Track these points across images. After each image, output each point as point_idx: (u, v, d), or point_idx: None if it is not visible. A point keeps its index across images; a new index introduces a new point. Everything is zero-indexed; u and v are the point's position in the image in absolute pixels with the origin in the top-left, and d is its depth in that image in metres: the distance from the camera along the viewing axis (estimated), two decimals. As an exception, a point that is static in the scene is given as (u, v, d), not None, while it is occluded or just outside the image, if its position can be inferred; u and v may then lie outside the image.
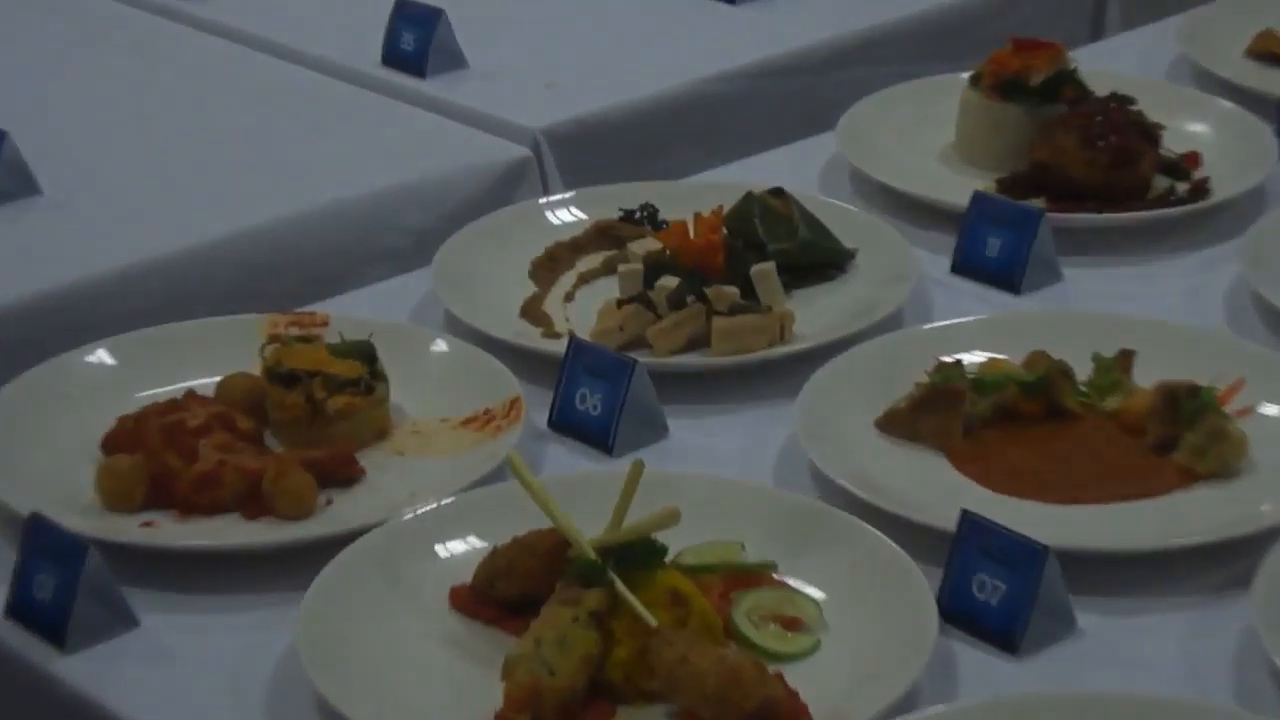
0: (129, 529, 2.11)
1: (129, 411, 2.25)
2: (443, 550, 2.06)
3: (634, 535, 1.91)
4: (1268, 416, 2.26)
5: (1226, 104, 3.00)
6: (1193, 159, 2.83)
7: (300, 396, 2.23)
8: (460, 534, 2.07)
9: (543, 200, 2.81)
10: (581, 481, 2.11)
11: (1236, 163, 2.83)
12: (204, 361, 2.38)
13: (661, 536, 1.93)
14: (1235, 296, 2.56)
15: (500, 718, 1.82)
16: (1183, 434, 2.19)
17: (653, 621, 1.85)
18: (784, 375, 2.35)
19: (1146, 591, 2.04)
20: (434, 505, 2.10)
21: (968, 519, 1.99)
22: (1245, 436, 2.20)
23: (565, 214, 2.74)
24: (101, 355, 2.41)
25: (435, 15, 3.23)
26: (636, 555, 1.91)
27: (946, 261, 2.65)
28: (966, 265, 2.64)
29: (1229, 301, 2.56)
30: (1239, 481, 2.18)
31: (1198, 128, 2.93)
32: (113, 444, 2.21)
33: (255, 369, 2.31)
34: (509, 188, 2.97)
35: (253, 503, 2.14)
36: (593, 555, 1.90)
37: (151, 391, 2.33)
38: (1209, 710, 1.82)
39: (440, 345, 2.42)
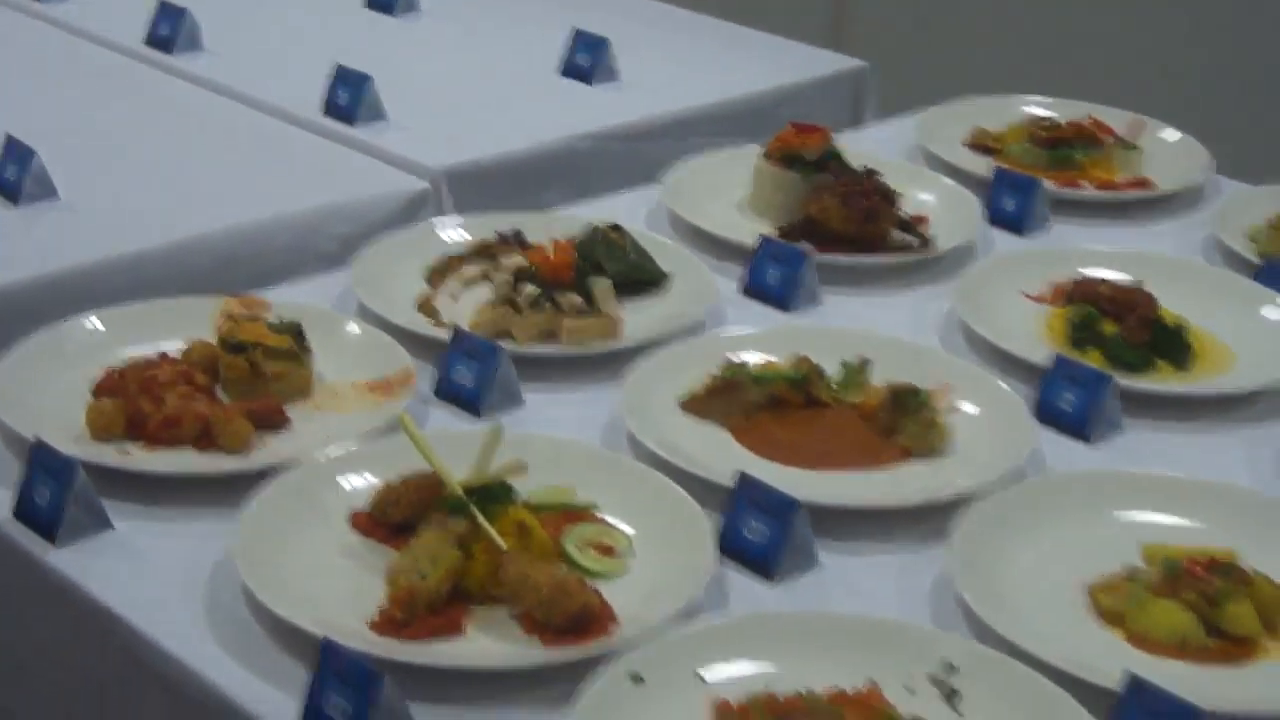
0: (109, 454, 2.09)
1: (114, 366, 2.23)
2: (346, 484, 2.04)
3: (491, 479, 1.91)
4: (966, 413, 2.28)
5: (947, 180, 3.00)
6: (921, 219, 2.83)
7: (244, 361, 2.21)
8: (360, 471, 2.05)
9: (434, 221, 2.77)
10: (456, 437, 2.08)
11: (952, 224, 2.83)
12: (174, 331, 2.33)
13: (514, 482, 1.93)
14: (948, 323, 2.56)
15: (384, 613, 1.82)
16: (904, 422, 2.21)
17: (503, 545, 1.85)
18: (613, 365, 2.34)
19: (872, 538, 2.05)
20: (342, 450, 2.09)
21: (742, 480, 2.00)
22: (948, 427, 2.22)
23: (452, 233, 2.70)
24: (94, 322, 2.36)
25: (364, 79, 3.19)
26: (492, 494, 1.91)
27: (735, 284, 2.64)
28: (753, 289, 2.62)
29: (943, 326, 2.56)
30: (943, 459, 2.19)
31: (926, 196, 2.92)
32: (100, 390, 2.18)
33: (213, 339, 2.28)
34: (413, 211, 2.93)
35: (205, 439, 2.12)
36: (460, 493, 1.90)
37: (132, 351, 2.29)
38: (907, 628, 1.85)
39: (353, 327, 2.39)
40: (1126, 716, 1.70)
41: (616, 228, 2.61)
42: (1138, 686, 1.71)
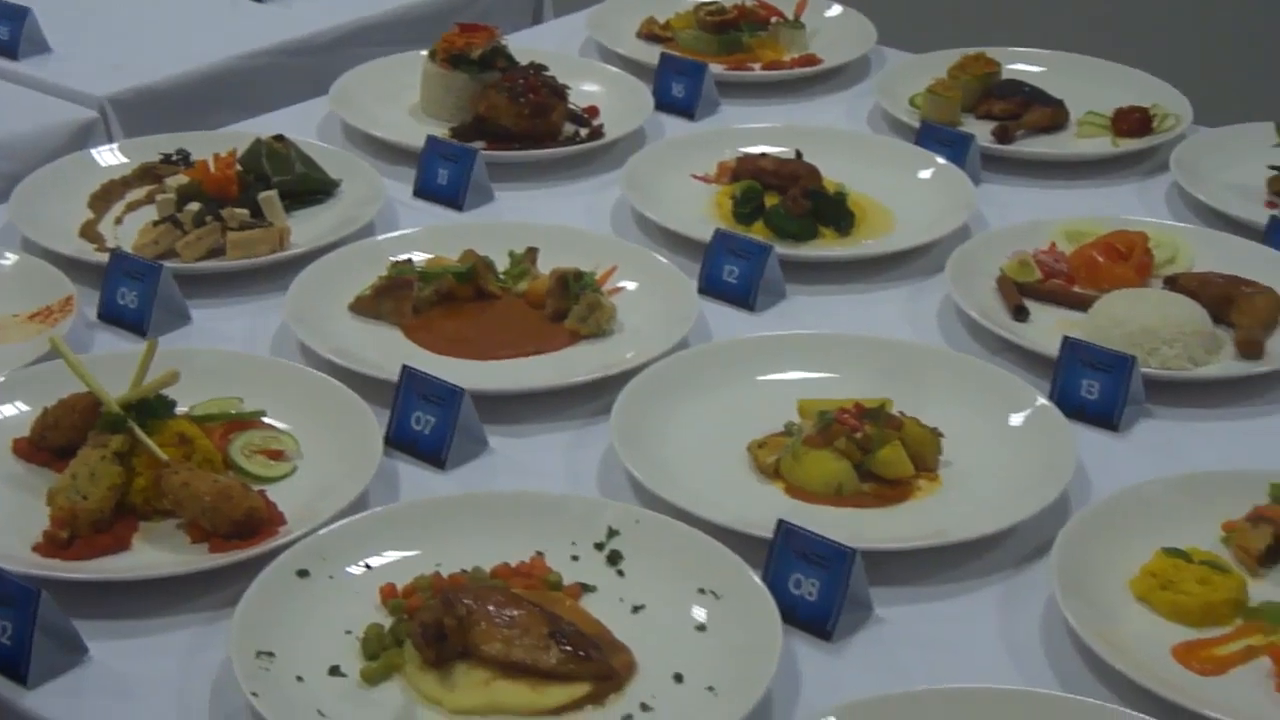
0: None
1: None
2: (1, 413, 2.03)
3: (147, 393, 1.91)
4: (629, 290, 2.34)
5: (616, 70, 3.05)
6: (593, 110, 2.89)
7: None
8: (13, 400, 2.05)
9: (93, 150, 2.74)
10: (117, 358, 2.07)
11: (623, 113, 2.88)
12: None
13: (180, 395, 1.93)
14: (618, 209, 2.62)
15: (47, 534, 1.83)
16: (571, 306, 2.25)
17: (164, 457, 1.87)
18: (284, 275, 2.35)
19: (542, 419, 2.11)
20: (-3, 379, 2.07)
21: (406, 373, 2.03)
22: (614, 306, 2.28)
23: (111, 158, 2.68)
24: None
25: (24, 11, 3.14)
26: (151, 409, 1.92)
27: (409, 189, 2.66)
28: (424, 191, 2.65)
29: (613, 212, 2.62)
30: (610, 339, 2.25)
31: (595, 88, 2.97)
32: None
33: None
34: (81, 142, 2.90)
35: None
36: (116, 409, 1.90)
37: None
38: (569, 500, 1.91)
39: (9, 258, 2.36)
40: (780, 561, 1.79)
41: (280, 138, 2.61)
42: (788, 532, 1.80)
